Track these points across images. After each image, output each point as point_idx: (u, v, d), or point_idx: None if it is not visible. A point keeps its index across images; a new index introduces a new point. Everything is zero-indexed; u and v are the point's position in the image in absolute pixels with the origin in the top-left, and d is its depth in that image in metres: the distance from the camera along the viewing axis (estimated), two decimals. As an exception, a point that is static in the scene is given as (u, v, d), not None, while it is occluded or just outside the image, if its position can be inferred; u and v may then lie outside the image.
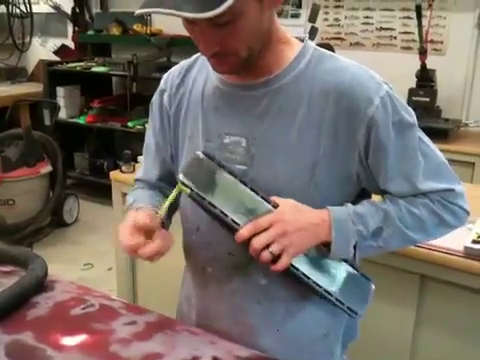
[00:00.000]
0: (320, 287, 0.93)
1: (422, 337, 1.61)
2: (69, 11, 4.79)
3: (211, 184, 0.91)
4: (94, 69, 4.30)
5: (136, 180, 1.22)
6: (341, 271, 0.95)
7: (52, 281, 1.19)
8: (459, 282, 1.49)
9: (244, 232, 0.88)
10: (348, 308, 0.95)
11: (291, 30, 1.01)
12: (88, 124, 4.34)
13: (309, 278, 0.92)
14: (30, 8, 4.87)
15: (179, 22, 0.89)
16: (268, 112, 0.97)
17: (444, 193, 0.98)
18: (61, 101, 4.33)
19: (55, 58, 4.73)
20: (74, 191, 4.15)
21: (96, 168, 4.45)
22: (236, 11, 0.83)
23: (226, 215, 0.90)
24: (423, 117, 2.88)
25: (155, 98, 1.14)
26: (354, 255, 0.96)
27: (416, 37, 3.09)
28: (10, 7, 4.84)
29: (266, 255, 0.87)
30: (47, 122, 4.28)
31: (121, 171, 2.35)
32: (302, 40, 1.00)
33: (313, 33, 2.97)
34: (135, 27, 4.20)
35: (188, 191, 0.92)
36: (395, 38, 3.51)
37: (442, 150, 1.03)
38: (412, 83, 3.13)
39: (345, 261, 0.96)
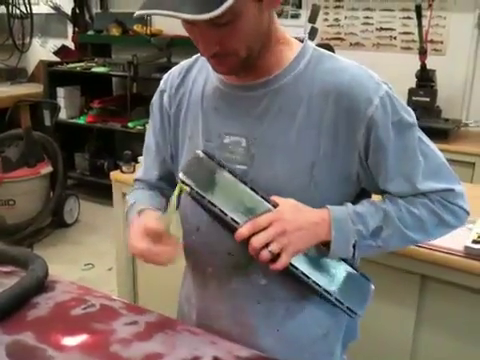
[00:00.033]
0: (320, 287, 0.93)
1: (423, 337, 1.61)
2: (69, 12, 4.79)
3: (211, 183, 0.91)
4: (94, 69, 4.30)
5: (136, 180, 1.22)
6: (341, 271, 0.95)
7: (52, 281, 1.19)
8: (459, 282, 1.49)
9: (243, 231, 0.88)
10: (347, 308, 0.95)
11: (291, 30, 1.02)
12: (88, 124, 4.35)
13: (309, 277, 0.92)
14: (30, 9, 4.87)
15: (179, 22, 0.89)
16: (268, 112, 0.97)
17: (444, 193, 0.98)
18: (61, 101, 4.33)
19: (55, 59, 4.73)
20: (74, 191, 4.15)
21: (96, 168, 4.45)
22: (235, 12, 0.83)
23: (226, 214, 0.90)
24: (423, 117, 2.88)
25: (155, 98, 1.14)
26: (353, 255, 0.96)
27: (416, 37, 3.09)
28: (10, 8, 4.84)
29: (265, 254, 0.87)
30: (47, 122, 4.28)
31: (121, 171, 2.35)
32: (302, 40, 1.00)
33: (313, 33, 2.97)
34: (135, 27, 4.20)
35: (188, 190, 0.92)
36: (395, 38, 3.51)
37: (442, 150, 1.03)
38: (412, 83, 3.13)
39: (345, 261, 0.96)
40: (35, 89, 4.63)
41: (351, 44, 3.67)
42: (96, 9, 4.81)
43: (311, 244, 0.93)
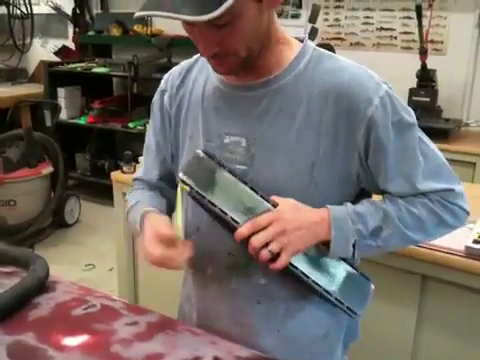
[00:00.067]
0: (319, 286, 0.93)
1: (423, 337, 1.61)
2: (69, 12, 4.79)
3: (211, 183, 0.92)
4: (95, 70, 4.30)
5: (135, 180, 1.22)
6: (340, 271, 0.95)
7: (53, 282, 1.19)
8: (460, 282, 1.49)
9: (243, 230, 0.88)
10: (347, 308, 0.95)
11: (291, 30, 1.02)
12: (89, 125, 4.35)
13: (308, 277, 0.92)
14: (31, 9, 4.88)
15: (179, 23, 0.89)
16: (268, 112, 0.97)
17: (444, 193, 0.98)
18: (62, 102, 4.34)
19: (56, 59, 4.73)
20: (75, 192, 4.15)
21: (97, 169, 4.46)
22: (235, 12, 0.83)
23: (226, 213, 0.90)
24: (424, 117, 2.88)
25: (156, 98, 1.15)
26: (353, 254, 0.96)
27: (416, 37, 3.09)
28: (11, 8, 4.84)
29: (265, 254, 0.88)
30: (48, 123, 4.28)
31: (122, 172, 2.36)
32: (302, 40, 1.00)
33: (313, 33, 2.97)
34: (135, 28, 4.20)
35: (188, 189, 0.92)
36: (395, 38, 3.51)
37: (443, 150, 1.03)
38: (413, 83, 3.13)
39: (344, 261, 0.96)
40: (36, 89, 4.63)
41: (351, 44, 3.67)
42: (96, 9, 4.81)
43: (311, 244, 0.93)
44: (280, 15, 3.75)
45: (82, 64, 4.43)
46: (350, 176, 0.97)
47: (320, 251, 0.94)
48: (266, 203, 0.91)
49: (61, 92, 4.39)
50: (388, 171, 0.96)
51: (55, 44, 4.90)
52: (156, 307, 1.14)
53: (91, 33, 4.64)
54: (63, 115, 4.33)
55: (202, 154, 0.94)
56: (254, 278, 1.02)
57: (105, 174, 4.03)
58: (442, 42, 3.34)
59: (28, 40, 5.05)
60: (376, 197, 1.02)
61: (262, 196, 0.91)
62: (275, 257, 0.88)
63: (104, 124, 4.28)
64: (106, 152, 4.55)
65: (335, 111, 0.93)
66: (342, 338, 1.13)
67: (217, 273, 1.06)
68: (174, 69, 1.13)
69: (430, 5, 3.19)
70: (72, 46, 4.85)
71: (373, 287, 0.98)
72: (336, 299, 0.94)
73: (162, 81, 1.14)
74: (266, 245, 0.88)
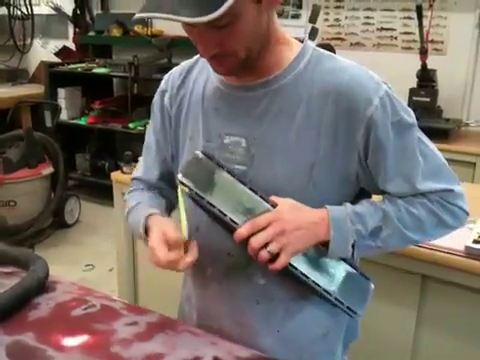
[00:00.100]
0: (319, 287, 0.93)
1: (423, 337, 1.61)
2: (70, 12, 4.79)
3: (210, 184, 0.92)
4: (95, 70, 4.30)
5: (134, 179, 1.22)
6: (340, 270, 0.95)
7: (53, 282, 1.19)
8: (460, 282, 1.49)
9: (242, 231, 0.88)
10: (347, 308, 0.95)
11: (292, 31, 1.02)
12: (89, 125, 4.35)
13: (308, 277, 0.92)
14: (31, 10, 4.88)
15: (179, 23, 0.89)
16: (267, 113, 0.97)
17: (443, 193, 0.98)
18: (62, 102, 4.34)
19: (56, 59, 4.73)
20: (75, 192, 4.15)
21: (97, 169, 4.46)
22: (234, 13, 0.83)
23: (225, 214, 0.90)
24: (424, 117, 2.88)
25: (156, 98, 1.15)
26: (352, 255, 0.96)
27: (417, 37, 3.09)
28: (11, 9, 4.85)
29: (264, 254, 0.88)
30: (48, 123, 4.28)
31: (122, 172, 2.36)
32: (302, 41, 1.00)
33: (314, 34, 2.97)
34: (136, 28, 4.20)
35: (187, 190, 0.92)
36: (396, 38, 3.51)
37: (443, 150, 1.03)
38: (413, 83, 3.13)
39: (344, 260, 0.96)
40: (36, 90, 4.63)
41: (352, 44, 3.67)
42: (97, 10, 4.81)
43: (310, 244, 0.93)
44: (280, 15, 3.76)
45: (82, 65, 4.43)
46: (349, 176, 0.97)
47: (319, 251, 0.94)
48: (265, 203, 0.91)
49: (61, 92, 4.39)
50: (387, 171, 0.96)
51: (55, 45, 4.91)
52: (156, 307, 1.14)
53: (91, 34, 4.64)
54: (63, 115, 4.33)
55: (201, 155, 0.94)
56: (254, 278, 1.02)
57: (105, 174, 4.03)
58: (442, 42, 3.34)
59: (28, 41, 5.05)
60: (375, 197, 1.02)
61: (261, 196, 0.91)
62: (274, 258, 0.88)
63: (104, 124, 4.28)
64: (106, 152, 4.55)
65: (335, 111, 0.93)
66: (342, 338, 1.12)
67: (217, 273, 1.06)
68: (174, 69, 1.13)
69: (430, 5, 3.19)
70: (72, 47, 4.85)
71: (373, 286, 0.98)
72: (336, 299, 0.94)
73: (162, 81, 1.14)
74: (265, 246, 0.88)
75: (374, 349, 1.61)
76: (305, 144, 0.95)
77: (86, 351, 0.96)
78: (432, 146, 1.00)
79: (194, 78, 1.08)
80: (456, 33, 3.28)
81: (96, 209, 4.12)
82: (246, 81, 0.99)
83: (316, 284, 0.92)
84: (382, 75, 0.97)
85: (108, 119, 4.29)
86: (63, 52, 4.79)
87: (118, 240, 2.40)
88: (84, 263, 3.33)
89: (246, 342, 1.02)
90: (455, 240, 1.35)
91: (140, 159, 1.23)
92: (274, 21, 0.95)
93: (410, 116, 0.97)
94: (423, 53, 3.02)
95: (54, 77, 4.38)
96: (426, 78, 3.09)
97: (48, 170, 3.64)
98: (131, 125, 4.03)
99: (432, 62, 3.08)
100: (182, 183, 0.92)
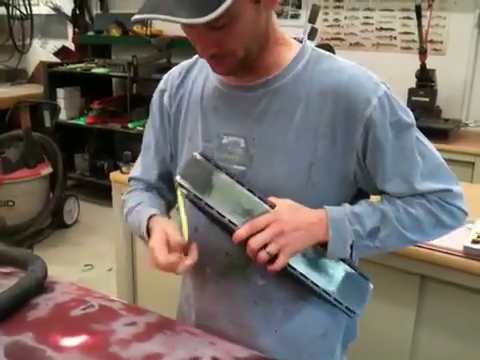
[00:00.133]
0: (318, 287, 0.93)
1: (422, 337, 1.61)
2: (69, 12, 4.79)
3: (208, 185, 0.91)
4: (94, 70, 4.30)
5: (132, 179, 1.21)
6: (339, 271, 0.95)
7: (52, 282, 1.19)
8: (459, 282, 1.49)
9: (241, 232, 0.88)
10: (346, 308, 0.95)
11: (291, 31, 1.02)
12: (88, 125, 4.35)
13: (307, 278, 0.92)
14: (30, 10, 4.88)
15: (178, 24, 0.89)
16: (266, 113, 0.97)
17: (442, 193, 0.98)
18: (61, 102, 4.34)
19: (55, 59, 4.73)
20: (74, 192, 4.15)
21: (96, 169, 4.46)
22: (232, 14, 0.83)
23: (223, 216, 0.90)
24: (423, 117, 2.88)
25: (155, 98, 1.14)
26: (351, 255, 0.96)
27: (416, 37, 3.09)
28: (10, 9, 4.85)
29: (263, 255, 0.88)
30: (47, 123, 4.28)
31: (121, 172, 2.35)
32: (301, 41, 1.00)
33: (313, 34, 2.98)
34: (135, 28, 4.20)
35: (185, 192, 0.92)
36: (395, 38, 3.52)
37: (442, 150, 1.03)
38: (412, 83, 3.13)
39: (343, 261, 0.96)
40: (35, 90, 4.63)
41: (351, 44, 3.68)
42: (96, 10, 4.81)
43: (309, 244, 0.93)
44: (280, 15, 3.76)
45: (81, 65, 4.43)
46: (348, 176, 0.97)
47: (318, 252, 0.94)
48: (264, 204, 0.91)
49: (60, 93, 4.39)
50: (386, 171, 0.96)
51: (55, 45, 4.90)
52: (155, 307, 1.14)
53: (91, 34, 4.64)
54: (62, 115, 4.33)
55: (199, 156, 0.94)
56: (252, 279, 1.02)
57: (104, 174, 4.04)
58: (441, 42, 3.34)
59: (28, 41, 5.05)
60: (374, 198, 1.02)
61: (260, 197, 0.91)
62: (273, 258, 0.88)
63: (103, 124, 4.28)
64: (105, 152, 4.55)
65: (333, 111, 0.93)
66: (341, 338, 1.12)
67: (215, 274, 1.06)
68: (174, 69, 1.13)
69: (430, 5, 3.19)
70: (72, 47, 4.85)
71: (372, 286, 0.98)
72: (335, 299, 0.94)
73: (162, 81, 1.14)
74: (264, 247, 0.88)
75: (373, 349, 1.61)
76: (304, 144, 0.95)
77: (85, 351, 0.96)
78: (431, 146, 1.00)
79: (193, 78, 1.08)
80: (455, 33, 3.29)
81: (95, 209, 4.12)
82: (245, 81, 0.99)
83: (315, 284, 0.92)
84: (381, 75, 0.97)
85: (107, 119, 4.29)
86: (62, 52, 4.78)
87: (117, 240, 2.40)
88: (83, 263, 3.33)
89: (245, 342, 1.02)
90: (454, 240, 1.35)
91: (138, 159, 1.23)
92: (273, 21, 0.95)
93: (409, 116, 0.97)
94: (422, 53, 3.02)
95: (53, 77, 4.38)
96: (425, 78, 3.09)
97: (47, 170, 3.64)
98: (130, 125, 4.03)
99: (431, 62, 3.09)
100: (180, 185, 0.92)
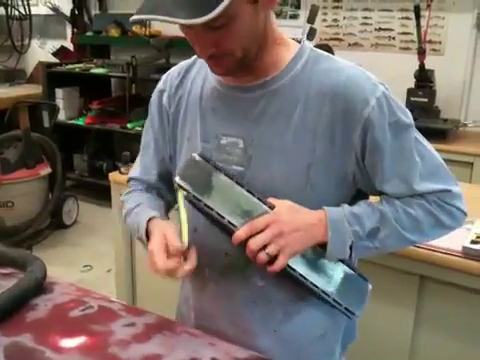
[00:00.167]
0: (317, 288, 0.93)
1: (421, 338, 1.61)
2: (68, 13, 4.79)
3: (207, 186, 0.91)
4: (93, 70, 4.30)
5: (131, 179, 1.20)
6: (338, 272, 0.95)
7: (51, 283, 1.19)
8: (458, 283, 1.49)
9: (241, 233, 0.88)
10: (345, 309, 0.95)
11: (290, 31, 1.02)
12: (87, 126, 4.34)
13: (306, 279, 0.92)
14: (29, 10, 4.88)
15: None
16: (264, 114, 0.97)
17: (441, 194, 0.98)
18: (60, 103, 4.33)
19: (54, 60, 4.73)
20: (73, 193, 4.15)
21: (95, 170, 4.46)
22: (230, 14, 0.83)
23: (223, 217, 0.90)
24: (422, 117, 2.89)
25: (154, 98, 1.14)
26: (350, 256, 0.96)
27: (415, 37, 3.09)
28: (9, 9, 4.84)
29: (263, 256, 0.88)
30: (46, 124, 4.28)
31: (120, 172, 2.35)
32: (299, 41, 1.00)
33: (312, 34, 2.97)
34: (134, 29, 4.20)
35: (185, 193, 0.92)
36: (394, 38, 3.52)
37: (441, 150, 1.03)
38: (411, 83, 3.14)
39: (342, 261, 0.96)
40: (34, 90, 4.63)
41: (350, 44, 3.68)
42: (95, 10, 4.81)
43: (308, 245, 0.93)
44: (278, 16, 3.76)
45: (80, 65, 4.43)
46: (347, 177, 0.97)
47: (317, 253, 0.94)
48: (263, 205, 0.91)
49: (59, 93, 4.39)
50: (385, 172, 0.96)
51: (53, 45, 4.90)
52: (154, 308, 1.14)
53: (89, 34, 4.63)
54: (61, 116, 4.33)
55: (198, 157, 0.94)
56: (252, 280, 1.02)
57: (103, 175, 4.03)
58: (440, 42, 3.34)
59: (26, 41, 5.05)
60: (373, 198, 1.02)
61: (259, 198, 0.91)
62: (273, 259, 0.88)
63: (102, 125, 4.28)
64: (104, 153, 4.55)
65: (332, 112, 0.93)
66: (340, 339, 1.12)
67: (214, 274, 1.06)
68: (173, 69, 1.13)
69: (428, 5, 3.20)
70: (70, 47, 4.84)
71: (370, 287, 0.98)
72: (334, 300, 0.94)
73: (161, 81, 1.14)
74: (264, 247, 0.88)
75: (372, 350, 1.61)
76: (302, 145, 0.95)
77: (84, 352, 0.96)
78: (429, 146, 1.00)
79: (192, 78, 1.08)
80: (454, 33, 3.29)
81: (94, 210, 4.11)
82: (244, 82, 0.99)
83: (314, 285, 0.93)
84: (380, 75, 0.97)
85: (106, 119, 4.28)
86: (61, 52, 4.78)
87: (116, 241, 2.40)
88: (82, 264, 3.33)
89: (244, 343, 1.02)
90: (453, 241, 1.35)
91: (137, 159, 1.22)
92: (271, 21, 0.95)
93: (407, 117, 0.97)
94: (421, 53, 3.02)
95: (52, 77, 4.38)
96: (424, 78, 3.09)
97: (46, 171, 3.63)
98: (129, 125, 4.03)
99: (430, 62, 3.09)
100: (180, 186, 0.92)
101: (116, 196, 2.31)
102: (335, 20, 3.70)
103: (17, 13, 4.89)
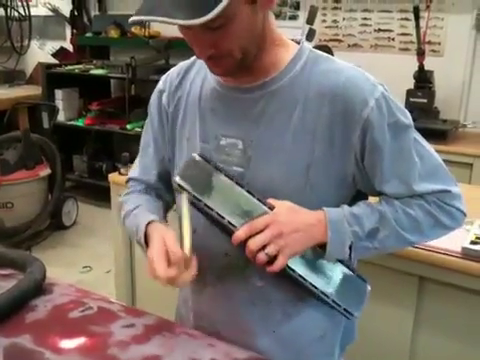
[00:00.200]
0: (316, 289, 0.93)
1: (421, 339, 1.61)
2: (67, 14, 4.79)
3: (207, 186, 0.91)
4: (92, 71, 4.30)
5: (130, 180, 1.20)
6: (337, 273, 0.95)
7: (51, 284, 1.19)
8: (457, 283, 1.49)
9: (240, 233, 0.88)
10: (344, 310, 0.95)
11: (289, 32, 1.02)
12: (87, 127, 4.34)
13: (305, 280, 0.92)
14: (28, 11, 4.88)
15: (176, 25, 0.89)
16: (264, 115, 0.97)
17: (440, 194, 0.98)
18: (60, 104, 4.34)
19: (53, 61, 4.73)
20: (73, 194, 4.14)
21: (95, 170, 4.45)
22: (229, 14, 0.83)
23: (223, 217, 0.90)
24: (421, 118, 2.89)
25: (153, 98, 1.14)
26: (350, 256, 0.96)
27: (414, 38, 3.10)
28: (8, 10, 4.84)
29: (262, 256, 0.88)
30: (46, 125, 4.28)
31: (120, 173, 2.35)
32: (299, 42, 1.00)
33: (311, 35, 2.98)
34: (133, 29, 4.20)
35: (185, 194, 0.92)
36: (393, 39, 3.52)
37: (440, 151, 1.03)
38: (410, 84, 3.14)
39: (341, 262, 0.96)
40: (33, 91, 4.63)
41: (349, 45, 3.68)
42: (94, 11, 4.81)
43: (308, 246, 0.93)
44: (278, 16, 3.76)
45: (80, 66, 4.43)
46: (346, 178, 0.97)
47: (317, 253, 0.94)
48: (263, 206, 0.91)
49: (59, 94, 4.39)
50: (384, 173, 0.96)
51: (53, 46, 4.90)
52: (153, 309, 1.14)
53: (89, 35, 4.64)
54: (61, 117, 4.33)
55: (198, 158, 0.94)
56: (251, 281, 1.02)
57: (103, 176, 4.03)
58: (439, 43, 3.34)
59: (26, 42, 5.05)
60: (373, 199, 1.02)
61: (259, 199, 0.91)
62: (272, 260, 0.88)
63: (102, 126, 4.28)
64: (104, 154, 4.55)
65: (331, 113, 0.93)
66: (339, 340, 1.13)
67: (214, 275, 1.06)
68: (172, 70, 1.13)
69: (428, 6, 3.20)
70: (70, 48, 4.85)
71: (369, 288, 0.98)
72: (333, 301, 0.94)
73: (160, 81, 1.14)
74: (263, 248, 0.88)
75: (371, 351, 1.61)
76: (301, 146, 0.95)
77: (83, 353, 0.96)
78: (429, 147, 1.00)
79: (192, 78, 1.08)
80: (453, 34, 3.29)
81: (94, 211, 4.11)
82: (243, 82, 0.99)
83: (313, 286, 0.93)
84: (379, 76, 0.97)
85: (105, 120, 4.28)
86: (60, 53, 4.78)
87: (116, 242, 2.40)
88: (81, 265, 3.33)
89: (243, 343, 1.02)
90: (452, 241, 1.35)
91: (136, 160, 1.22)
92: (271, 22, 0.95)
93: (406, 117, 0.97)
94: (420, 54, 3.02)
95: (51, 78, 4.38)
96: (423, 79, 3.10)
97: (45, 172, 3.63)
98: (129, 126, 4.03)
99: (429, 63, 3.09)
100: (180, 186, 0.92)
101: (116, 197, 2.31)
102: (334, 21, 3.70)
103: (17, 14, 4.89)
